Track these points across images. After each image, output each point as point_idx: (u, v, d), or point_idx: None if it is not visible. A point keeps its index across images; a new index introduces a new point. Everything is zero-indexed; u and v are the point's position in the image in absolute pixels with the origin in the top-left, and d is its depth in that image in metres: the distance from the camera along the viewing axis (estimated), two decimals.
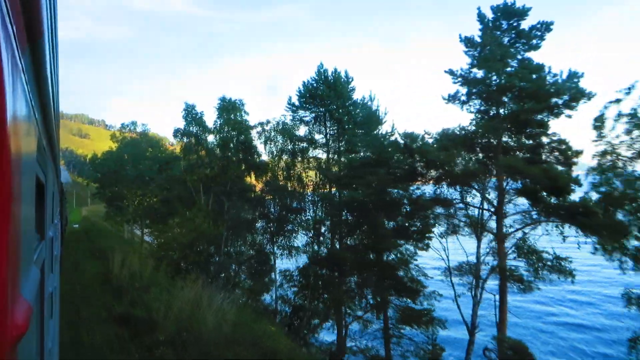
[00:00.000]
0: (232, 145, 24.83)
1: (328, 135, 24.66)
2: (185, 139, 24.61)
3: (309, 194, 26.76)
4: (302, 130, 26.78)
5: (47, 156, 2.13)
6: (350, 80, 24.58)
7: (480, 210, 17.22)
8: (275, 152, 27.02)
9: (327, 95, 23.12)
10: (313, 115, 25.00)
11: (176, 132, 24.35)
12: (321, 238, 25.81)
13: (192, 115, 24.33)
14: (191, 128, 24.46)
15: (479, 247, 18.45)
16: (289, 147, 26.70)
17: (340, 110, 23.37)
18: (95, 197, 59.52)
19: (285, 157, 26.81)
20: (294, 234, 27.28)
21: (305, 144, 25.33)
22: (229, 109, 24.96)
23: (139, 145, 52.66)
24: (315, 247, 25.40)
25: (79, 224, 56.03)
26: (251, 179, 26.53)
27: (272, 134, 27.61)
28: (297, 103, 25.29)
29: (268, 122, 27.49)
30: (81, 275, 19.89)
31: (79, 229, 49.51)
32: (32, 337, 1.50)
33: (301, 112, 25.33)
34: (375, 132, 24.18)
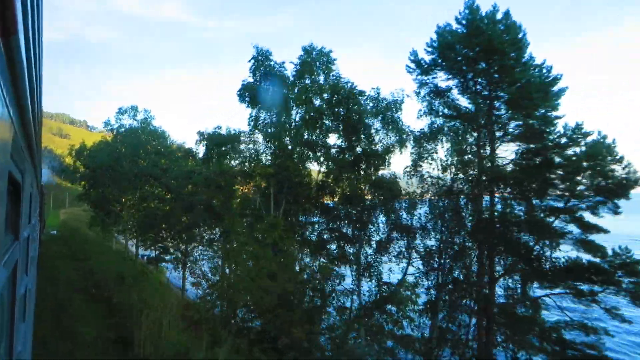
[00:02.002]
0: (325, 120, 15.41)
1: (485, 109, 15.23)
2: (253, 109, 14.90)
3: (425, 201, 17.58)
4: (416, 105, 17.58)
5: (25, 155, 2.11)
6: (519, 27, 15.54)
7: None
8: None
9: (499, 42, 13.90)
10: (458, 78, 15.59)
11: (242, 90, 14.67)
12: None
13: (265, 66, 14.80)
14: (263, 85, 14.84)
15: None
16: (397, 133, 17.69)
17: (514, 70, 14.20)
18: (78, 199, 49.00)
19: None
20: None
21: (443, 122, 15.81)
22: (317, 64, 15.59)
23: (138, 136, 42.60)
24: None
25: (57, 230, 46.46)
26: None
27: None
28: (427, 60, 16.01)
29: None
30: (70, 343, 10.04)
31: (58, 236, 40.77)
32: None
33: (436, 75, 15.93)
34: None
